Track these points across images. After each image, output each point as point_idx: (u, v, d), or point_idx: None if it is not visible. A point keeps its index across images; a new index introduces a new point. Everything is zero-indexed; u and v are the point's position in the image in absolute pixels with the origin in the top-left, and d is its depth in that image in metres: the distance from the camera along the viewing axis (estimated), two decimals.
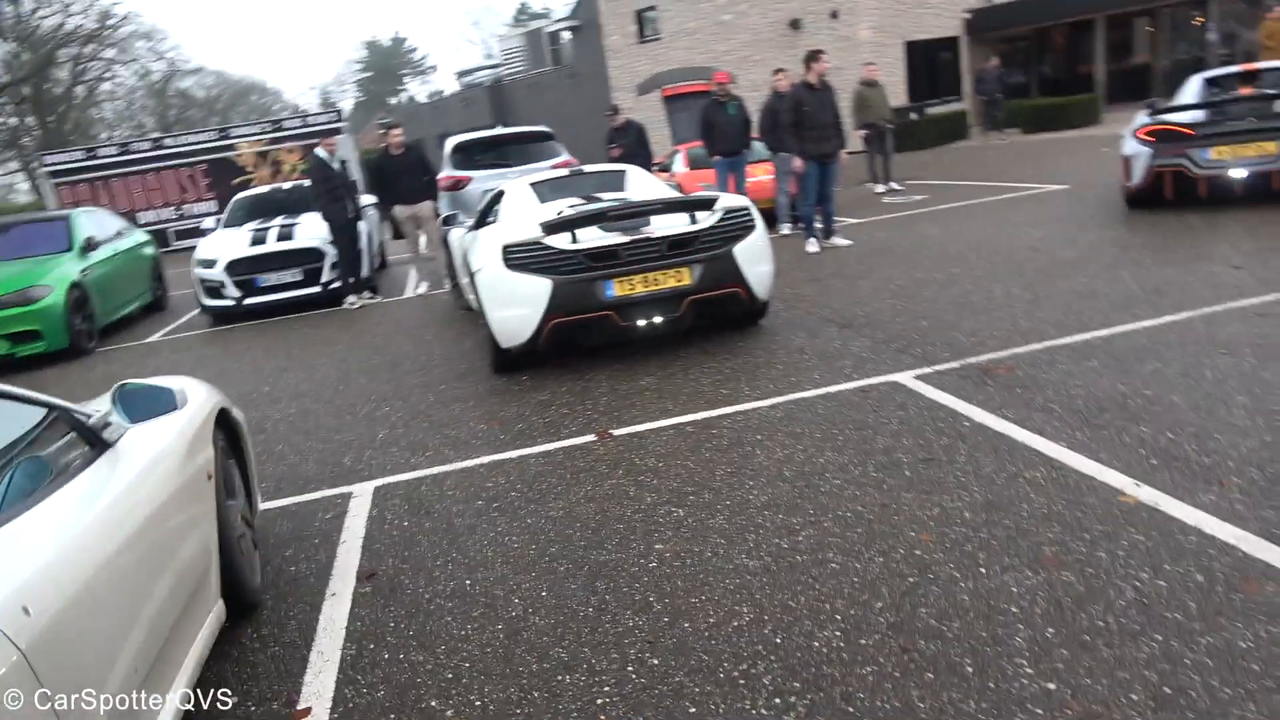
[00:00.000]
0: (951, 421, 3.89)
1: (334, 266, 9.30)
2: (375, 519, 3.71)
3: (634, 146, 10.74)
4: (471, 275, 5.72)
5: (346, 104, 66.82)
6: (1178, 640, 2.25)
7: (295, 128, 23.49)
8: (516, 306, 5.20)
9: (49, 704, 1.51)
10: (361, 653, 2.72)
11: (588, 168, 7.28)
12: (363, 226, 9.43)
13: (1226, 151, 7.59)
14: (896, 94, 21.95)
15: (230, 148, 22.82)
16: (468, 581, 3.07)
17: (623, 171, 6.97)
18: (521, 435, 4.51)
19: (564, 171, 7.23)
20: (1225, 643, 2.21)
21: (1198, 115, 7.92)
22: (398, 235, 9.67)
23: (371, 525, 3.66)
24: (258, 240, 9.44)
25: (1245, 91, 8.63)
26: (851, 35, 22.13)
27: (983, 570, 2.68)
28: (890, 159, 12.87)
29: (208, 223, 10.97)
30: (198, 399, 2.89)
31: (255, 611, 3.04)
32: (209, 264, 9.30)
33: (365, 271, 9.58)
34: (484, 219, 6.65)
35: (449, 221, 7.89)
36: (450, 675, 2.54)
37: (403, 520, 3.66)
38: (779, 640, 2.48)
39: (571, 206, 5.75)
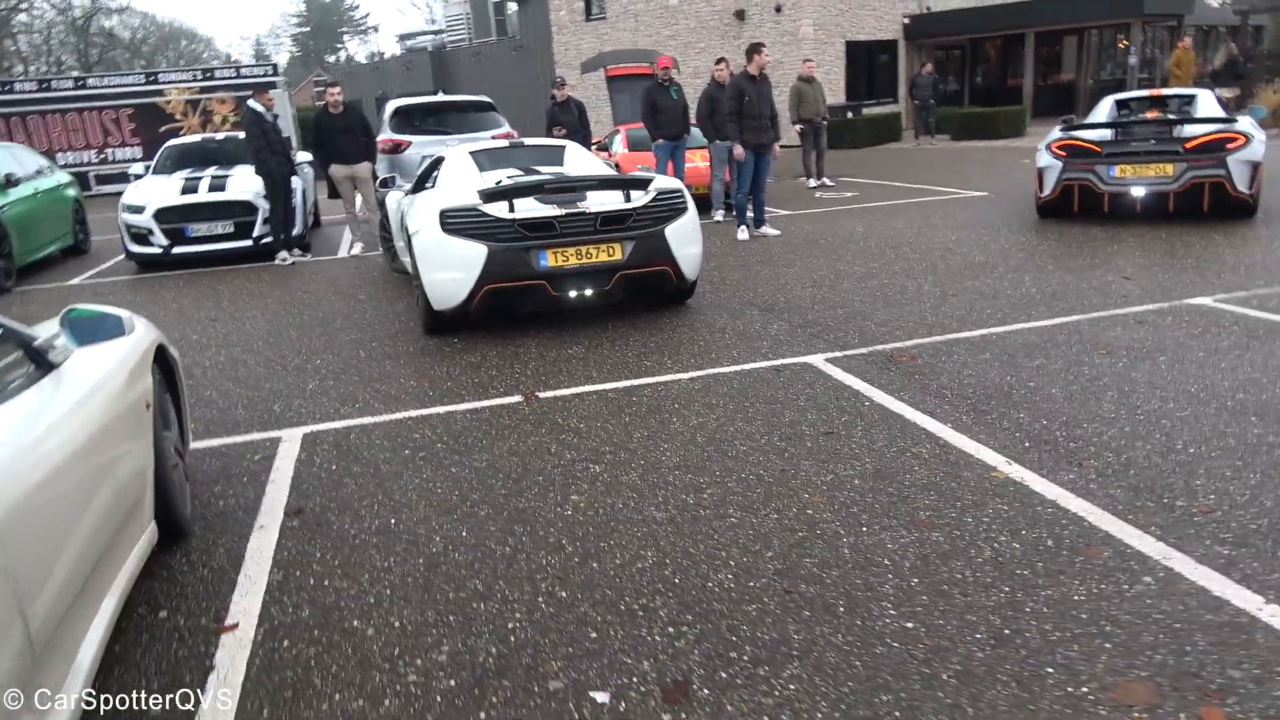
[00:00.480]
0: (854, 400, 4.20)
1: (266, 221, 9.24)
2: (304, 462, 3.85)
3: (575, 125, 10.87)
4: (408, 237, 5.85)
5: (281, 58, 64.88)
6: (1022, 592, 2.57)
7: (228, 78, 22.85)
8: (451, 270, 5.35)
9: (8, 589, 1.66)
10: (288, 578, 2.88)
11: (528, 140, 7.44)
12: (297, 183, 9.38)
13: (1129, 170, 8.13)
14: (835, 92, 22.49)
15: (159, 93, 22.10)
16: (392, 520, 3.25)
17: (562, 147, 7.13)
18: (450, 393, 4.68)
19: (504, 142, 7.40)
20: (1062, 595, 2.54)
21: (1106, 134, 8.46)
22: (333, 194, 9.64)
23: (300, 467, 3.80)
24: (189, 189, 9.30)
25: (1152, 115, 9.22)
26: (794, 31, 22.54)
27: (864, 529, 2.98)
28: (823, 155, 13.27)
29: (136, 168, 10.74)
30: (138, 331, 2.99)
31: (185, 539, 3.17)
32: (137, 210, 9.14)
33: (298, 229, 9.54)
34: (422, 183, 6.75)
35: (386, 184, 7.95)
36: (372, 600, 2.73)
37: (330, 464, 3.81)
38: (677, 580, 2.73)
39: (510, 177, 5.92)
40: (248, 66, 25.82)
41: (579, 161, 6.87)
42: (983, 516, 3.02)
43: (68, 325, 2.44)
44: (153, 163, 10.63)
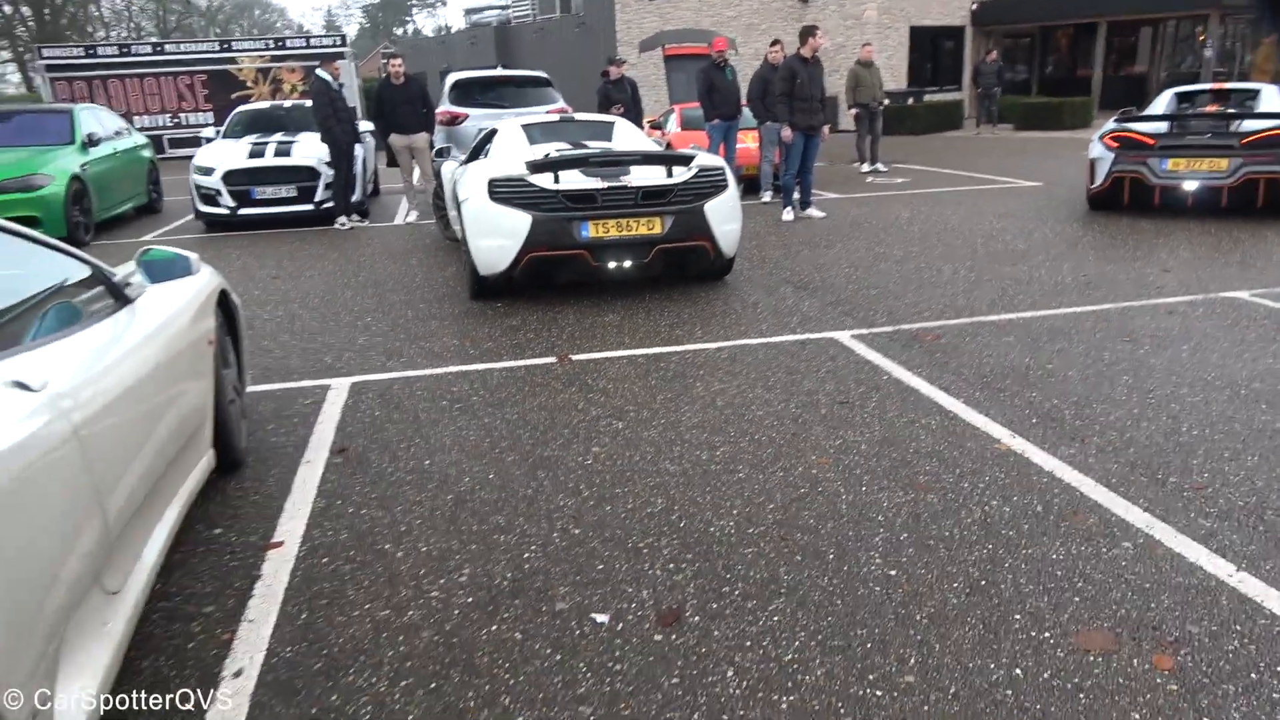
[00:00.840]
0: (872, 374, 4.36)
1: (328, 187, 9.61)
2: (350, 408, 4.15)
3: (629, 103, 11.02)
4: (459, 205, 6.09)
5: (350, 30, 65.94)
6: (1004, 550, 2.73)
7: (298, 48, 23.43)
8: (497, 237, 5.59)
9: (91, 481, 1.94)
10: (329, 506, 3.17)
11: (579, 115, 7.74)
12: (359, 151, 9.73)
13: (1182, 164, 8.06)
14: (897, 78, 22.26)
15: (231, 60, 22.76)
16: (426, 462, 3.52)
17: (612, 123, 7.34)
18: (489, 352, 4.94)
19: (555, 117, 7.61)
20: (1042, 554, 2.70)
21: (1160, 127, 8.36)
22: (392, 163, 9.97)
23: (346, 412, 4.09)
24: (256, 153, 9.72)
25: (1211, 109, 9.08)
26: (858, 15, 22.31)
27: (863, 488, 3.16)
28: (878, 140, 13.24)
29: (207, 132, 11.21)
30: (203, 276, 3.29)
31: (240, 469, 3.47)
32: (206, 172, 9.58)
33: (358, 195, 9.90)
34: (476, 155, 7.03)
35: (441, 154, 8.23)
36: (403, 528, 2.99)
37: (374, 410, 4.10)
38: (682, 525, 2.95)
39: (558, 150, 6.13)
40: (317, 37, 26.46)
41: (627, 137, 7.08)
42: (979, 483, 3.17)
43: (142, 264, 2.73)
44: (223, 127, 11.09)
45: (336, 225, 9.58)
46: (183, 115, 22.44)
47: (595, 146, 6.49)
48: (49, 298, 2.45)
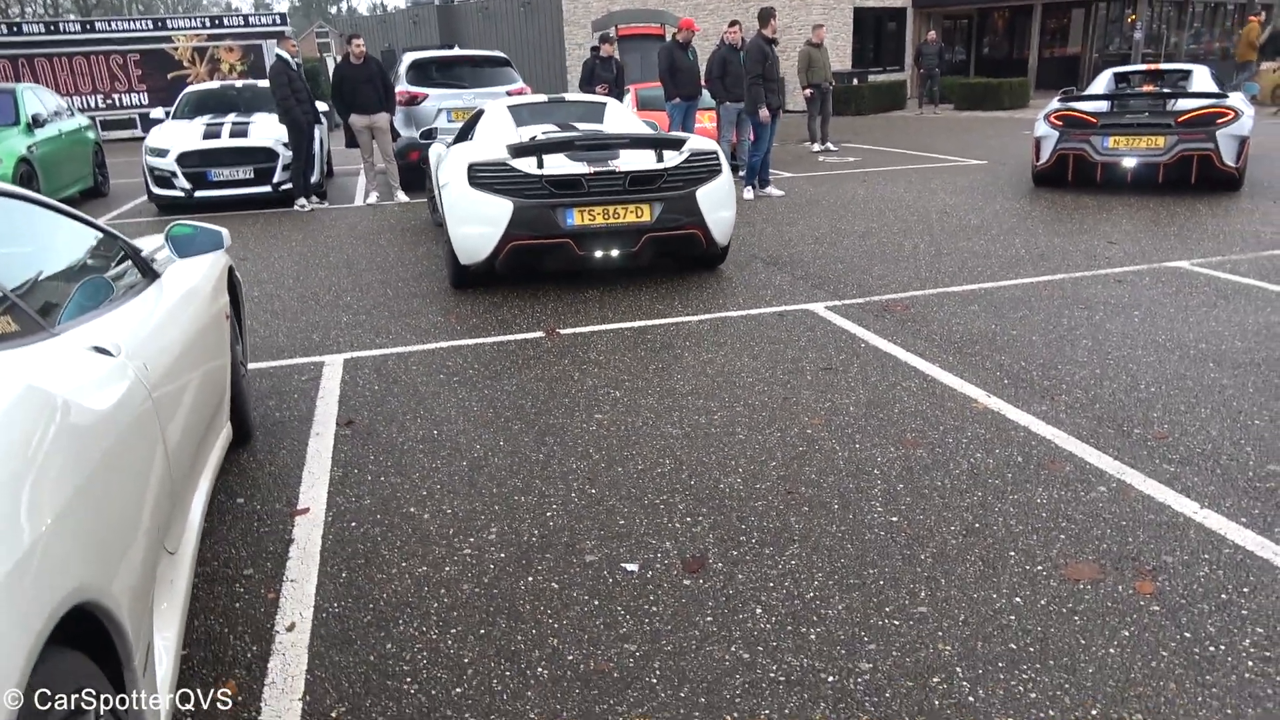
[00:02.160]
0: (850, 342, 4.57)
1: (286, 168, 9.52)
2: (348, 382, 4.22)
3: (613, 82, 11.04)
4: (439, 189, 5.97)
5: (282, 6, 64.20)
6: (993, 496, 2.96)
7: (235, 27, 22.88)
8: (477, 224, 5.35)
9: (162, 439, 2.03)
10: (348, 475, 3.26)
11: (569, 96, 7.28)
12: (317, 131, 9.64)
13: (1122, 142, 8.45)
14: (841, 59, 22.62)
15: (167, 39, 22.10)
16: (435, 431, 3.63)
17: (603, 104, 7.07)
18: (477, 328, 5.04)
19: (544, 98, 7.23)
20: (1027, 499, 2.94)
21: (1102, 106, 8.75)
22: (351, 144, 9.90)
23: (345, 387, 4.17)
24: (211, 134, 9.57)
25: (1148, 88, 9.52)
26: None
27: (857, 445, 3.37)
28: (828, 120, 13.52)
29: (156, 113, 10.96)
30: (218, 252, 3.33)
31: (249, 443, 3.54)
32: (160, 153, 9.41)
33: (316, 177, 9.81)
34: (463, 137, 6.79)
35: (428, 136, 8.03)
36: (425, 493, 3.11)
37: (373, 385, 4.18)
38: (692, 483, 3.12)
39: (545, 133, 5.92)
40: (255, 15, 25.78)
41: (618, 119, 6.81)
42: (962, 438, 3.41)
43: (171, 239, 2.79)
44: (172, 108, 10.86)
45: (296, 207, 9.50)
46: (116, 96, 21.73)
47: (585, 129, 6.26)
48: (87, 270, 2.50)
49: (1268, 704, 1.97)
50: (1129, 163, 8.44)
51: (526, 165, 5.29)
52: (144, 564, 1.76)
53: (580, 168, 5.31)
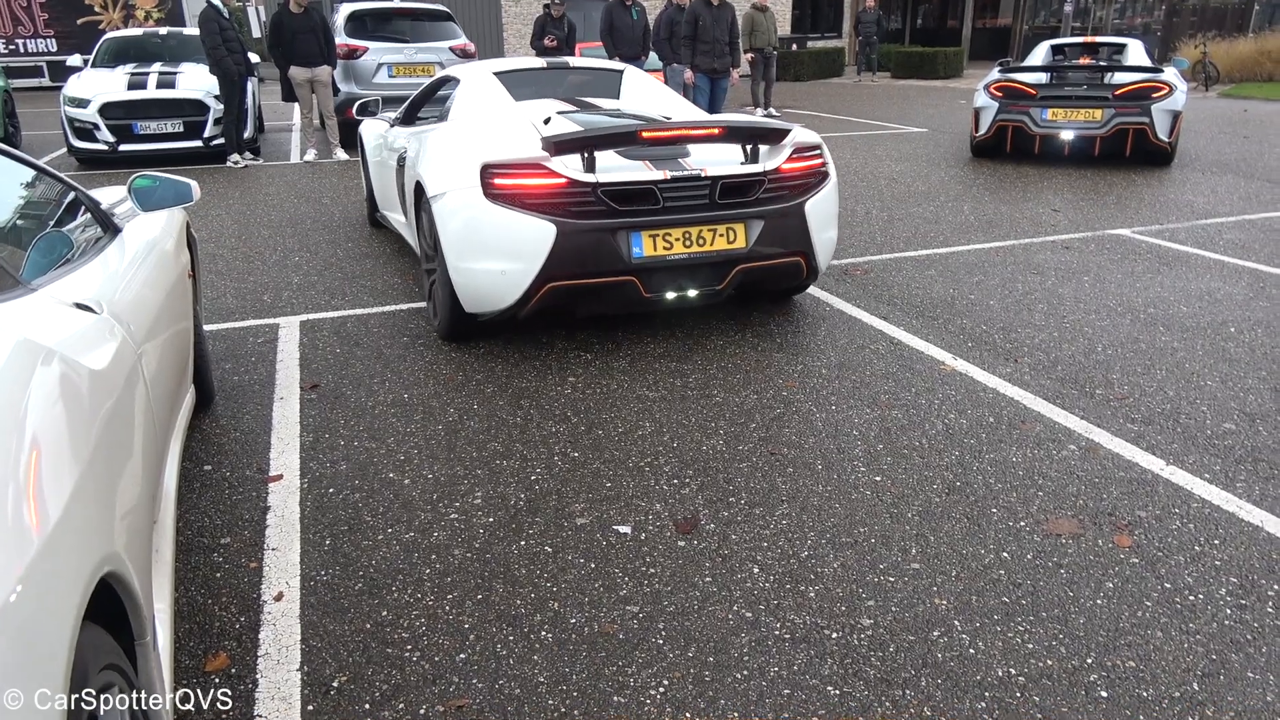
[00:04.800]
0: (815, 306, 4.61)
1: (217, 122, 9.10)
2: (307, 345, 4.08)
3: (564, 39, 10.76)
4: (422, 201, 4.06)
5: None
6: (970, 455, 3.03)
7: None
8: (498, 258, 3.61)
9: (148, 400, 1.93)
10: (319, 440, 3.16)
11: (573, 61, 5.62)
12: (249, 84, 9.23)
13: (1061, 114, 8.63)
14: (782, 24, 22.61)
15: None
16: (405, 395, 3.54)
17: (619, 72, 5.38)
18: None
19: (539, 62, 5.41)
20: (1002, 458, 3.01)
21: (1041, 77, 8.92)
22: (288, 97, 9.52)
23: (305, 350, 4.03)
24: (136, 85, 9.08)
25: (1084, 61, 9.74)
26: None
27: (833, 407, 3.40)
28: (771, 86, 13.52)
29: (74, 60, 10.34)
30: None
31: (210, 407, 3.40)
32: (81, 104, 8.89)
33: (249, 132, 9.41)
34: (415, 111, 5.38)
35: (364, 110, 6.12)
36: (402, 457, 3.03)
37: (335, 348, 4.05)
38: (675, 445, 3.11)
39: (561, 113, 4.29)
40: None
41: (646, 94, 5.11)
42: (934, 399, 3.47)
43: (135, 192, 2.63)
44: (91, 56, 10.26)
45: (229, 163, 9.11)
46: (20, 42, 20.47)
47: (607, 108, 4.64)
48: (47, 222, 2.35)
49: (1248, 649, 2.07)
50: (1067, 135, 8.63)
51: (571, 168, 3.59)
52: (144, 532, 1.68)
53: (644, 170, 3.65)
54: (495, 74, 4.94)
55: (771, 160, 3.85)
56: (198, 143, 9.17)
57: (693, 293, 3.82)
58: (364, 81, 9.72)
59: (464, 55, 10.27)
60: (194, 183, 2.79)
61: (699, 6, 9.21)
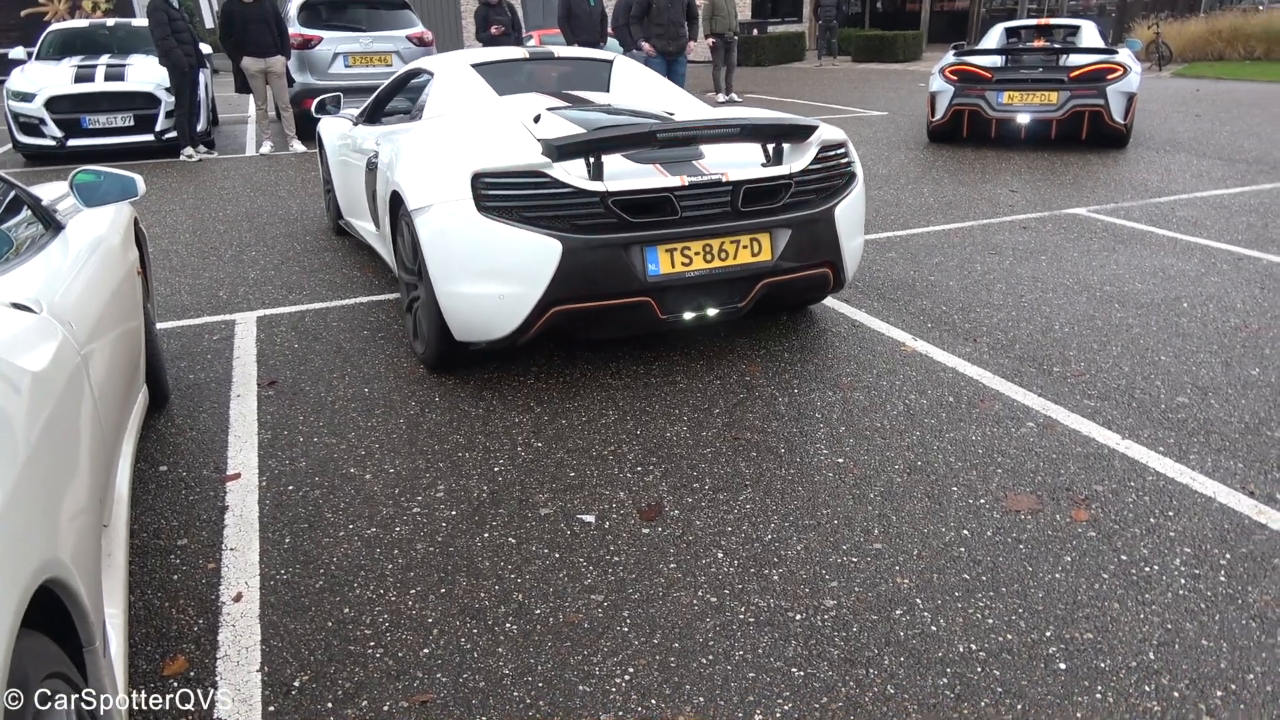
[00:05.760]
0: None
1: (169, 115, 8.91)
2: (265, 341, 4.02)
3: (509, 25, 10.60)
4: (400, 213, 3.63)
5: None
6: (930, 435, 3.06)
7: None
8: (494, 281, 3.20)
9: (93, 401, 1.88)
10: (277, 436, 3.12)
11: (558, 50, 5.21)
12: (201, 75, 9.05)
13: (1017, 97, 8.70)
14: (743, 8, 22.60)
15: None
16: (365, 389, 3.50)
17: (608, 62, 4.98)
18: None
19: (521, 52, 4.93)
20: (963, 437, 3.04)
21: (996, 61, 8.97)
22: (241, 89, 9.33)
23: (262, 346, 3.96)
24: (83, 77, 8.85)
25: (1039, 44, 9.83)
26: None
27: (796, 391, 3.42)
28: (733, 70, 13.51)
29: (16, 53, 10.05)
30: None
31: (166, 406, 3.34)
32: (26, 98, 8.65)
33: (202, 125, 9.23)
34: (381, 108, 5.00)
35: (322, 109, 5.50)
36: (363, 452, 3.00)
37: (292, 343, 3.99)
38: (639, 432, 3.11)
39: (551, 110, 3.87)
40: None
41: (638, 86, 4.76)
42: (895, 380, 3.50)
43: (76, 187, 2.56)
44: (35, 48, 9.99)
45: (183, 157, 8.93)
46: None
47: (599, 102, 4.29)
48: None
49: (1201, 617, 2.11)
50: (1023, 119, 8.69)
51: (576, 175, 3.19)
52: (91, 536, 1.64)
53: (657, 176, 3.24)
54: (473, 66, 4.55)
55: (797, 161, 3.47)
56: (149, 136, 8.97)
57: (713, 312, 3.42)
58: (319, 72, 9.58)
59: (421, 44, 10.13)
60: (139, 177, 2.73)
61: None
